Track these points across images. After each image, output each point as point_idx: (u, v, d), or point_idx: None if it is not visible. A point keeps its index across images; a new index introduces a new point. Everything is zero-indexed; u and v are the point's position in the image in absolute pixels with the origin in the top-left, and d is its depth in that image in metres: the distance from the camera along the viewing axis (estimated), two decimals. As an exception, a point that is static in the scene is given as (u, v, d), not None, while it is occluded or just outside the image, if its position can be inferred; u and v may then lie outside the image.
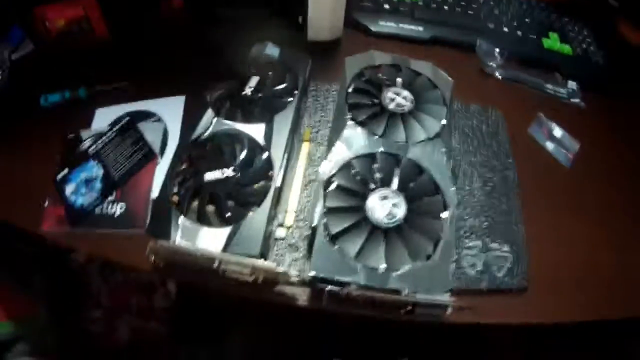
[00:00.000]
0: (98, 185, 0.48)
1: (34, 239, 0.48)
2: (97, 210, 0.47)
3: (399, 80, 0.49)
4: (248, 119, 0.46)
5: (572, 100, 0.61)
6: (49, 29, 0.55)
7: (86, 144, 0.50)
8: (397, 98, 0.47)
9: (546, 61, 0.63)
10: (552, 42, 0.64)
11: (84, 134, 0.51)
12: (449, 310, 0.39)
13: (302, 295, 0.43)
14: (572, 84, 0.62)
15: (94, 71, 0.56)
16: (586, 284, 0.46)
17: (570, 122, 0.58)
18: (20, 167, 0.50)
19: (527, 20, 0.66)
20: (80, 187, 0.48)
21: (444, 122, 0.47)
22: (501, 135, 0.54)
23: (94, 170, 0.49)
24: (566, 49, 0.64)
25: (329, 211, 0.41)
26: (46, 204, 0.47)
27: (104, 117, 0.53)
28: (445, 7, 0.63)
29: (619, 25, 0.72)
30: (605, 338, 0.57)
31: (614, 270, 0.47)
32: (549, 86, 0.61)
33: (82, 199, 0.47)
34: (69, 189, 0.48)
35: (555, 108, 0.59)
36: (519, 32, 0.64)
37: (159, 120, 0.52)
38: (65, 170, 0.49)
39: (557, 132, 0.57)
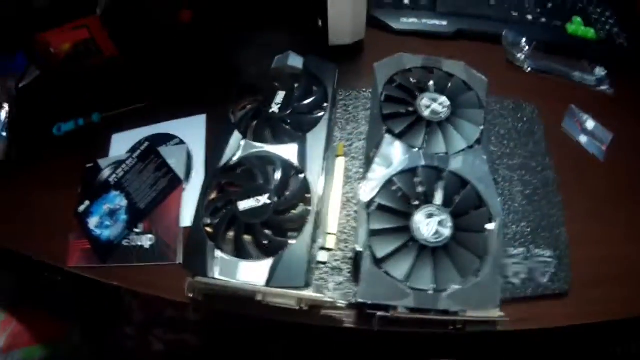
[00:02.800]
0: (123, 216, 0.45)
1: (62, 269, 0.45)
2: (125, 242, 0.44)
3: (431, 84, 0.46)
4: (279, 139, 0.43)
5: (601, 87, 0.57)
6: (55, 54, 0.51)
7: (106, 173, 0.47)
8: (433, 104, 0.44)
9: (572, 47, 0.59)
10: (576, 26, 0.60)
11: (102, 162, 0.48)
12: (499, 327, 0.37)
13: (349, 318, 0.41)
14: (599, 70, 0.58)
15: (106, 93, 0.52)
16: (627, 280, 0.44)
17: (601, 112, 0.55)
18: (40, 201, 0.48)
19: (549, 5, 0.61)
20: (105, 220, 0.45)
21: (482, 127, 0.44)
22: (537, 133, 0.51)
23: (117, 200, 0.46)
24: (590, 32, 0.60)
25: (374, 234, 0.38)
26: (70, 238, 0.45)
27: (121, 143, 0.50)
28: None
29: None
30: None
31: None
32: (577, 74, 0.57)
33: (108, 232, 0.44)
34: (92, 222, 0.45)
35: (586, 97, 0.56)
36: (543, 19, 0.59)
37: (181, 142, 0.48)
38: (87, 203, 0.46)
39: (590, 124, 0.54)
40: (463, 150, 0.43)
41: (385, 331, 0.41)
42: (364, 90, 0.51)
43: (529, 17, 0.60)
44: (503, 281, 0.42)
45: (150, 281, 0.43)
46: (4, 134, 0.50)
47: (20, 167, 0.49)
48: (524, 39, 0.57)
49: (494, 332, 0.41)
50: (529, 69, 0.57)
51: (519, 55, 0.57)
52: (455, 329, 0.39)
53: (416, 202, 0.40)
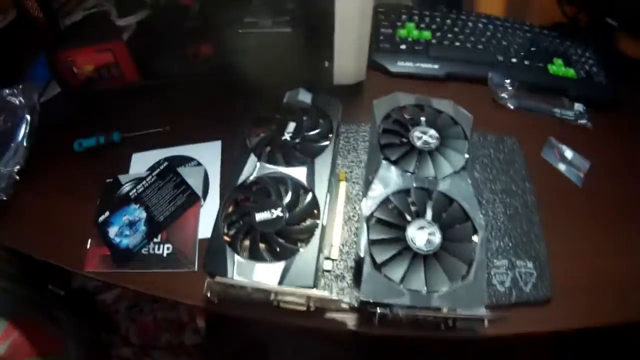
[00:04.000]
0: (142, 227, 0.58)
1: (64, 279, 0.57)
2: (144, 251, 0.56)
3: (423, 119, 0.62)
4: (290, 162, 0.57)
5: (580, 121, 0.74)
6: (77, 74, 0.64)
7: (126, 188, 0.61)
8: (424, 136, 0.59)
9: (553, 87, 0.76)
10: (557, 67, 0.77)
11: (123, 178, 0.62)
12: (486, 323, 0.50)
13: (351, 320, 0.53)
14: (578, 106, 0.75)
15: (125, 115, 0.66)
16: (605, 289, 0.57)
17: (580, 143, 0.71)
18: (60, 211, 0.60)
19: (532, 49, 0.79)
20: (124, 229, 0.58)
21: (467, 156, 0.58)
22: (517, 161, 0.66)
23: (137, 213, 0.59)
24: (570, 72, 0.78)
25: (373, 243, 0.51)
26: (88, 245, 0.57)
27: (141, 162, 0.63)
28: (457, 44, 0.77)
29: (619, 42, 0.86)
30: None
31: (629, 275, 0.58)
32: (557, 110, 0.74)
33: (128, 240, 0.57)
34: (112, 231, 0.58)
35: (565, 131, 0.73)
36: (526, 62, 0.77)
37: (199, 164, 0.62)
38: (107, 213, 0.59)
39: (568, 153, 0.69)
40: (449, 175, 0.57)
41: (384, 334, 0.54)
42: (363, 124, 0.67)
43: (513, 60, 0.77)
44: (489, 288, 0.55)
45: (166, 286, 0.55)
46: (25, 143, 0.62)
47: (40, 177, 0.62)
48: (508, 80, 0.74)
49: (483, 336, 0.53)
50: (512, 107, 0.73)
51: (503, 95, 0.73)
52: (446, 327, 0.51)
53: (409, 218, 0.54)
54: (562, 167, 0.69)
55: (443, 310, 0.49)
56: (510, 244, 0.59)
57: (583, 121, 0.74)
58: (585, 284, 0.58)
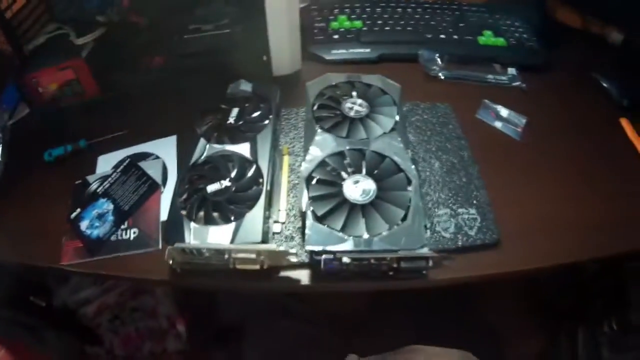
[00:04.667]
0: (110, 217, 0.66)
1: (46, 292, 0.66)
2: (113, 237, 0.64)
3: (354, 93, 0.71)
4: (235, 141, 0.65)
5: (514, 84, 0.83)
6: (43, 93, 0.74)
7: (94, 186, 0.69)
8: (355, 106, 0.69)
9: (484, 56, 0.85)
10: (486, 38, 0.88)
11: (90, 178, 0.70)
12: (431, 263, 0.57)
13: (304, 277, 0.60)
14: (511, 70, 0.85)
15: (89, 124, 0.76)
16: (549, 232, 0.64)
17: (515, 102, 0.80)
18: (35, 215, 0.68)
19: (461, 25, 0.90)
20: (94, 222, 0.65)
21: (396, 118, 0.69)
22: (451, 123, 0.75)
23: (105, 206, 0.67)
24: (500, 41, 0.88)
25: (313, 199, 0.60)
26: (63, 240, 0.64)
27: (106, 163, 0.72)
28: (387, 28, 0.87)
29: (556, 12, 0.98)
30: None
31: (568, 217, 0.66)
32: (490, 76, 0.84)
33: (98, 231, 0.64)
34: (83, 224, 0.65)
35: (499, 94, 0.81)
36: (455, 36, 0.87)
37: (157, 158, 0.71)
38: (78, 210, 0.67)
39: (504, 112, 0.79)
40: (380, 135, 0.65)
41: (334, 289, 0.62)
42: (302, 107, 0.76)
43: (442, 36, 0.86)
44: (434, 235, 0.62)
45: (134, 267, 0.62)
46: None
47: (14, 187, 0.70)
48: (437, 54, 0.83)
49: (432, 280, 0.61)
50: (444, 78, 0.82)
51: (434, 67, 0.82)
52: (393, 271, 0.58)
53: (346, 176, 0.63)
54: (498, 124, 0.76)
55: (385, 252, 0.56)
56: (450, 195, 0.66)
57: (517, 83, 0.82)
58: (528, 228, 0.65)
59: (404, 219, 0.59)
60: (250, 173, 0.64)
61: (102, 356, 0.88)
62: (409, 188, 0.62)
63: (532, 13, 0.96)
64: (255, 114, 0.70)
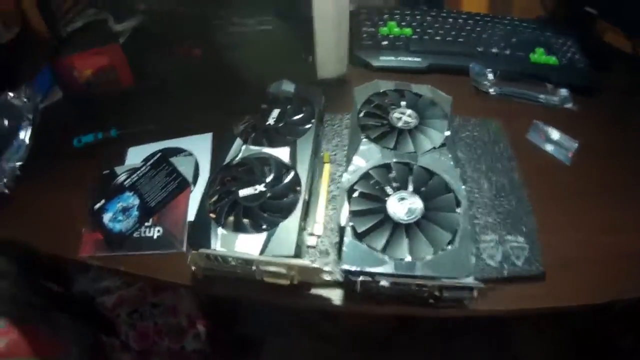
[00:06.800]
0: (135, 212, 0.60)
1: (65, 278, 0.59)
2: (136, 234, 0.58)
3: (403, 103, 0.64)
4: (273, 144, 0.59)
5: (565, 105, 0.75)
6: (77, 78, 0.69)
7: (121, 177, 0.64)
8: (403, 117, 0.62)
9: (535, 74, 0.78)
10: (538, 56, 0.80)
11: (119, 169, 0.65)
12: (475, 294, 0.50)
13: (336, 296, 0.53)
14: (563, 91, 0.77)
15: (122, 114, 0.70)
16: (600, 265, 0.56)
17: (566, 125, 0.72)
18: (58, 202, 0.63)
19: (513, 40, 0.82)
20: (118, 215, 0.60)
21: (447, 133, 0.60)
22: (502, 142, 0.67)
23: (130, 200, 0.61)
24: (552, 60, 0.80)
25: (354, 214, 0.53)
26: (83, 231, 0.59)
27: (136, 155, 0.66)
28: (438, 38, 0.80)
29: (600, 30, 0.90)
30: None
31: (623, 249, 0.58)
32: (542, 96, 0.76)
33: (120, 225, 0.59)
34: (106, 217, 0.60)
35: (550, 114, 0.74)
36: (507, 52, 0.80)
37: (190, 154, 0.65)
38: (102, 201, 0.61)
39: (555, 134, 0.70)
40: (430, 150, 0.58)
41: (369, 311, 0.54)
42: (347, 113, 0.69)
43: (494, 50, 0.80)
44: (479, 262, 0.54)
45: (155, 267, 0.56)
46: (27, 141, 0.66)
47: (41, 172, 0.65)
48: (489, 69, 0.76)
49: (473, 311, 0.53)
50: (495, 94, 0.75)
51: (484, 83, 0.75)
52: (434, 299, 0.51)
53: (390, 191, 0.55)
54: (549, 147, 0.69)
55: (427, 278, 0.49)
56: (498, 220, 0.59)
57: (569, 105, 0.75)
58: (577, 258, 0.57)
59: (450, 242, 0.52)
60: (287, 179, 0.56)
61: (117, 347, 0.81)
62: (458, 210, 0.54)
63: (581, 33, 0.87)
64: (297, 117, 0.63)
